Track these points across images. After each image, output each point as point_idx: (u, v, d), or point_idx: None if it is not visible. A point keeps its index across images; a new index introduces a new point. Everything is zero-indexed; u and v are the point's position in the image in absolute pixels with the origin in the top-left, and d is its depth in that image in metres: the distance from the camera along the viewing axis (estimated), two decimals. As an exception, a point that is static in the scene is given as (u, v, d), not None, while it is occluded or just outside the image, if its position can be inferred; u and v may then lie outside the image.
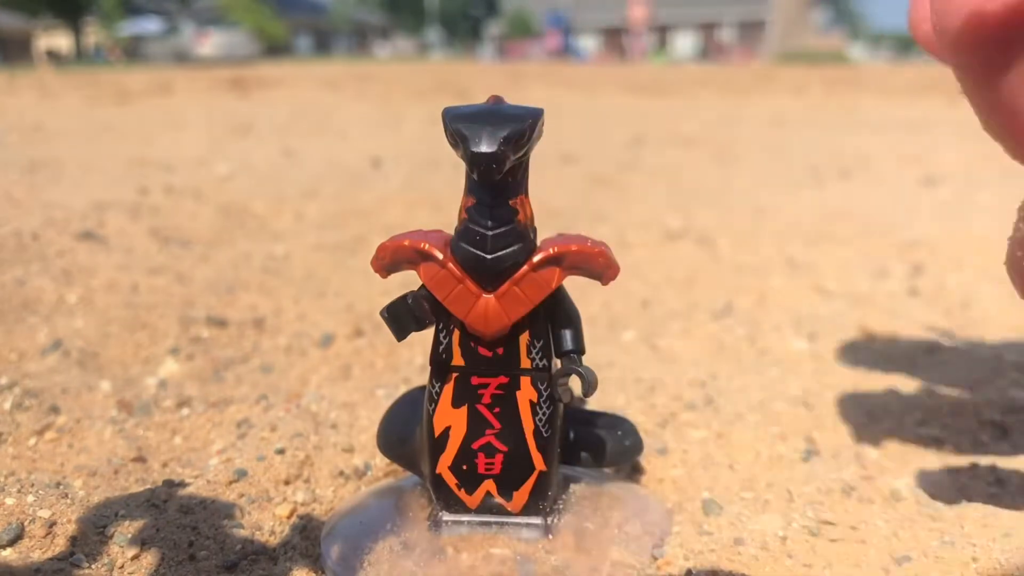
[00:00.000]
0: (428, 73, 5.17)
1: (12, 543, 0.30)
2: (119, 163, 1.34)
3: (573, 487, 0.31)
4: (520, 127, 0.24)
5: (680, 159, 1.53)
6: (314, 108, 2.61)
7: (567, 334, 0.27)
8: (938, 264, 0.77)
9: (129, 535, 0.30)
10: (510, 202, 0.26)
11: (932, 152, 1.55)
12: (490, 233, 0.25)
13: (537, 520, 0.28)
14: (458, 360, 0.27)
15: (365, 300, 0.64)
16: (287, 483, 0.35)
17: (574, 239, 0.26)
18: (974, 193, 1.13)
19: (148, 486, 0.35)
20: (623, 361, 0.52)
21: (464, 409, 0.28)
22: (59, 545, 0.30)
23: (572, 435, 0.30)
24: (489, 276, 0.26)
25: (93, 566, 0.29)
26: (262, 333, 0.58)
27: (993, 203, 1.06)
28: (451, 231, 0.27)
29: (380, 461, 0.37)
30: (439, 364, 0.28)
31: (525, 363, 0.27)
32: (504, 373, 0.27)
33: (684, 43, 21.49)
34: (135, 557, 0.29)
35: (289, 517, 0.33)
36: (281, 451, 0.36)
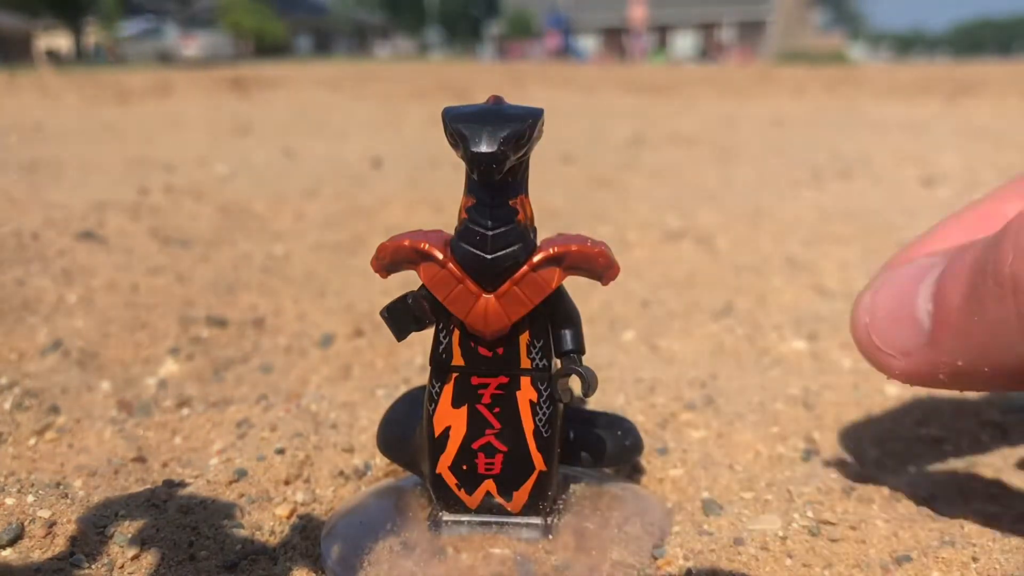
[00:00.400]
0: (428, 73, 5.17)
1: (12, 543, 0.30)
2: (119, 163, 1.34)
3: (573, 487, 0.31)
4: (520, 127, 0.24)
5: (680, 159, 1.53)
6: (314, 108, 2.61)
7: (567, 334, 0.27)
8: (938, 264, 0.77)
9: (129, 535, 0.30)
10: (510, 202, 0.26)
11: (932, 152, 1.55)
12: (490, 233, 0.25)
13: (537, 520, 0.28)
14: (458, 360, 0.27)
15: (365, 300, 0.64)
16: (287, 483, 0.35)
17: (574, 239, 0.26)
18: (974, 193, 1.13)
19: (148, 486, 0.35)
20: (623, 361, 0.52)
21: (464, 409, 0.28)
22: (59, 545, 0.30)
23: (572, 435, 0.30)
24: (489, 276, 0.26)
25: (93, 566, 0.29)
26: (262, 333, 0.58)
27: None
28: (451, 231, 0.27)
29: (380, 461, 0.37)
30: (439, 364, 0.28)
31: (525, 363, 0.27)
32: (504, 373, 0.27)
33: (684, 43, 21.49)
34: (135, 557, 0.29)
35: (289, 517, 0.33)
36: (281, 451, 0.36)
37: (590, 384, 0.27)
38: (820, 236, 0.88)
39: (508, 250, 0.26)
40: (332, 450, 0.37)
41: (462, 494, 0.28)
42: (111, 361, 0.51)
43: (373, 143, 1.72)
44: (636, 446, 0.31)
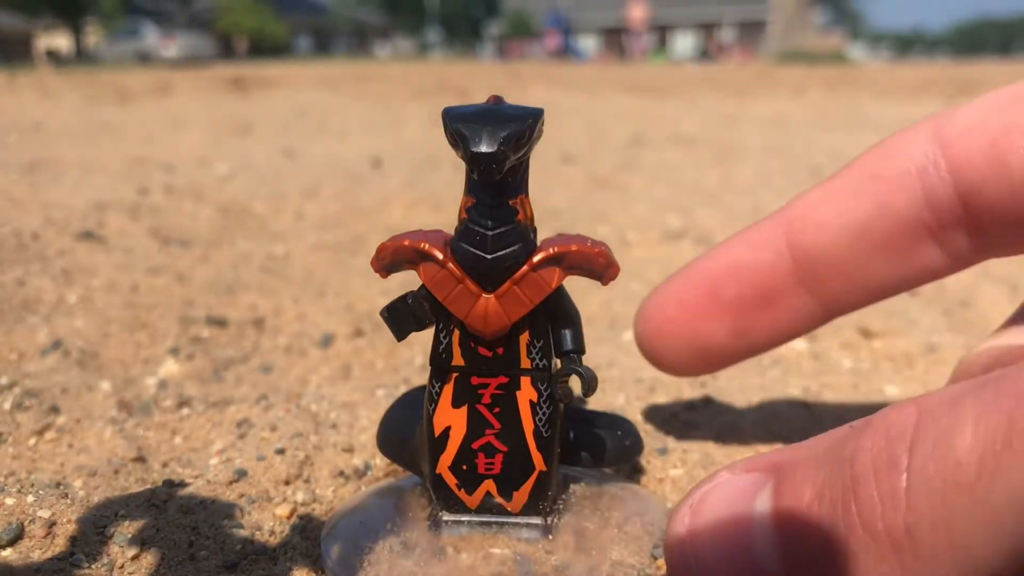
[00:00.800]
0: (428, 73, 5.17)
1: (12, 543, 0.30)
2: (119, 163, 1.34)
3: (573, 487, 0.31)
4: (520, 127, 0.24)
5: (680, 159, 1.53)
6: (314, 108, 2.61)
7: (567, 334, 0.27)
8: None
9: (129, 535, 0.30)
10: (510, 202, 0.26)
11: (932, 152, 1.55)
12: (490, 233, 0.25)
13: (537, 520, 0.28)
14: (458, 360, 0.27)
15: (365, 300, 0.64)
16: (287, 483, 0.35)
17: (574, 239, 0.26)
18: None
19: (148, 486, 0.35)
20: (623, 361, 0.52)
21: (464, 409, 0.28)
22: (59, 545, 0.30)
23: (572, 435, 0.30)
24: (489, 276, 0.26)
25: (93, 566, 0.29)
26: (262, 333, 0.58)
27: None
28: (451, 231, 0.27)
29: (380, 461, 0.37)
30: (439, 364, 0.28)
31: (525, 363, 0.27)
32: (504, 373, 0.27)
33: (684, 43, 21.49)
34: (135, 557, 0.29)
35: (289, 517, 0.33)
36: (281, 451, 0.36)
37: (590, 384, 0.27)
38: (820, 236, 0.88)
39: (508, 250, 0.26)
40: (332, 450, 0.37)
41: (462, 494, 0.28)
42: (111, 361, 0.51)
43: (373, 143, 1.72)
44: (636, 446, 0.31)
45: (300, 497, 0.34)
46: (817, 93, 3.38)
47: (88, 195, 1.00)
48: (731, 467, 0.22)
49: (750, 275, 0.29)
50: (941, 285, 0.70)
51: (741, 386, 0.47)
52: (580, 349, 0.28)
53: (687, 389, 0.46)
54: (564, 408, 0.29)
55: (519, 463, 0.28)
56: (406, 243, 0.26)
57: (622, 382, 0.47)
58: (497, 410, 0.27)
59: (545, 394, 0.27)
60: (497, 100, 0.26)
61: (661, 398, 0.44)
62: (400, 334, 0.27)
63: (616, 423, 0.31)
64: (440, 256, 0.26)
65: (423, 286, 0.27)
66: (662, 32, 21.49)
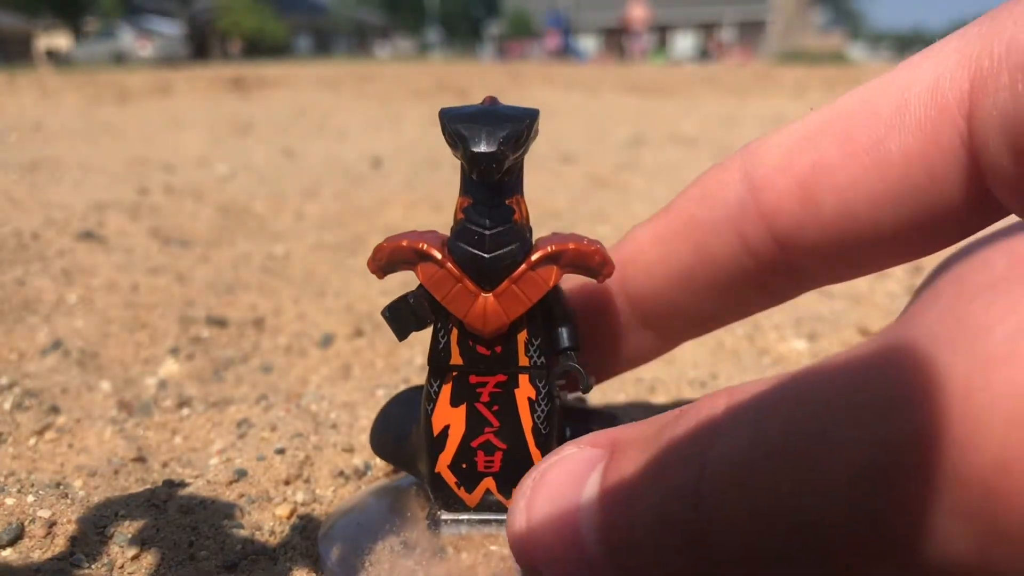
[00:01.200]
0: (428, 73, 5.17)
1: (12, 543, 0.30)
2: (119, 163, 1.34)
3: None
4: (518, 127, 0.24)
5: (680, 159, 1.53)
6: (314, 108, 2.61)
7: (564, 332, 0.28)
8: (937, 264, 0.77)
9: (129, 535, 0.30)
10: (507, 201, 0.26)
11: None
12: (488, 232, 0.25)
13: None
14: (456, 359, 0.27)
15: (365, 300, 0.64)
16: (287, 483, 0.35)
17: (570, 238, 0.26)
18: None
19: (148, 486, 0.35)
20: (623, 361, 0.52)
21: (463, 408, 0.28)
22: (59, 545, 0.30)
23: (568, 432, 0.30)
24: (487, 275, 0.26)
25: (93, 566, 0.29)
26: (262, 333, 0.58)
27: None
28: (448, 232, 0.27)
29: (380, 461, 0.37)
30: (437, 363, 0.28)
31: (523, 361, 0.27)
32: (502, 371, 0.27)
33: (684, 43, 21.50)
34: (135, 557, 0.29)
35: (289, 517, 0.33)
36: (281, 451, 0.36)
37: (588, 382, 0.27)
38: (820, 236, 0.88)
39: (506, 249, 0.26)
40: (332, 450, 0.37)
41: (462, 492, 0.28)
42: (111, 361, 0.51)
43: (373, 143, 1.72)
44: None
45: (300, 497, 0.34)
46: (817, 93, 3.38)
47: (88, 195, 1.00)
48: (578, 440, 0.22)
49: (595, 317, 0.30)
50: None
51: (741, 386, 0.47)
52: (576, 346, 0.28)
53: (687, 389, 0.46)
54: (560, 405, 0.29)
55: (518, 460, 0.28)
56: (404, 243, 0.26)
57: (622, 382, 0.47)
58: (496, 408, 0.28)
59: (543, 391, 0.27)
60: (493, 101, 0.26)
61: (661, 398, 0.44)
62: (402, 334, 0.28)
63: (611, 420, 0.31)
64: (439, 256, 0.26)
65: (421, 286, 0.27)
66: (662, 32, 21.49)
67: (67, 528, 0.30)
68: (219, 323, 0.58)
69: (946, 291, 0.15)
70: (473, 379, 0.27)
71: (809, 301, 0.66)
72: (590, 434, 0.22)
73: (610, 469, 0.20)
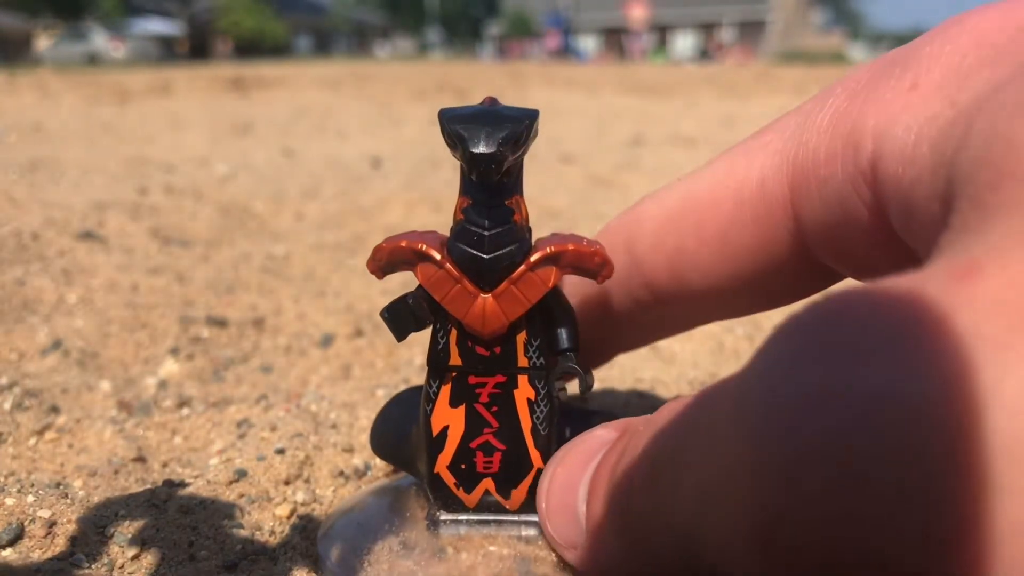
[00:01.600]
0: (428, 73, 5.17)
1: (12, 543, 0.30)
2: (119, 163, 1.34)
3: None
4: (518, 128, 0.24)
5: (680, 159, 1.53)
6: (314, 108, 2.61)
7: (563, 333, 0.28)
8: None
9: (129, 535, 0.30)
10: (507, 202, 0.26)
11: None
12: (487, 233, 0.25)
13: (535, 518, 0.28)
14: (455, 360, 0.27)
15: (365, 300, 0.64)
16: (287, 483, 0.35)
17: (569, 238, 0.26)
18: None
19: (148, 486, 0.35)
20: (623, 361, 0.52)
21: (462, 408, 0.28)
22: (59, 545, 0.30)
23: (568, 432, 0.30)
24: (487, 276, 0.26)
25: (93, 566, 0.29)
26: (262, 333, 0.58)
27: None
28: (448, 232, 0.27)
29: (380, 461, 0.37)
30: (436, 364, 0.28)
31: (523, 362, 0.27)
32: (502, 372, 0.27)
33: (684, 43, 21.50)
34: (135, 557, 0.29)
35: (289, 517, 0.33)
36: (281, 451, 0.36)
37: (587, 383, 0.27)
38: (820, 236, 0.88)
39: (505, 250, 0.26)
40: (332, 450, 0.37)
41: (460, 493, 0.28)
42: (111, 361, 0.51)
43: (373, 143, 1.72)
44: None
45: (300, 497, 0.34)
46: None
47: (88, 195, 1.00)
48: (608, 424, 0.25)
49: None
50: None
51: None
52: (576, 348, 0.28)
53: (687, 389, 0.46)
54: (560, 405, 0.29)
55: (517, 461, 0.28)
56: (403, 244, 0.26)
57: (622, 382, 0.47)
58: (495, 409, 0.28)
59: (542, 392, 0.27)
60: (492, 101, 0.26)
61: (660, 398, 0.44)
62: (400, 334, 0.28)
63: (611, 420, 0.31)
64: (438, 256, 0.26)
65: (420, 286, 0.27)
66: (662, 32, 21.49)
67: (67, 528, 0.30)
68: (219, 323, 0.58)
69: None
70: (472, 380, 0.27)
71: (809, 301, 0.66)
72: (619, 420, 0.25)
73: (607, 452, 0.23)
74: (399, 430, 0.31)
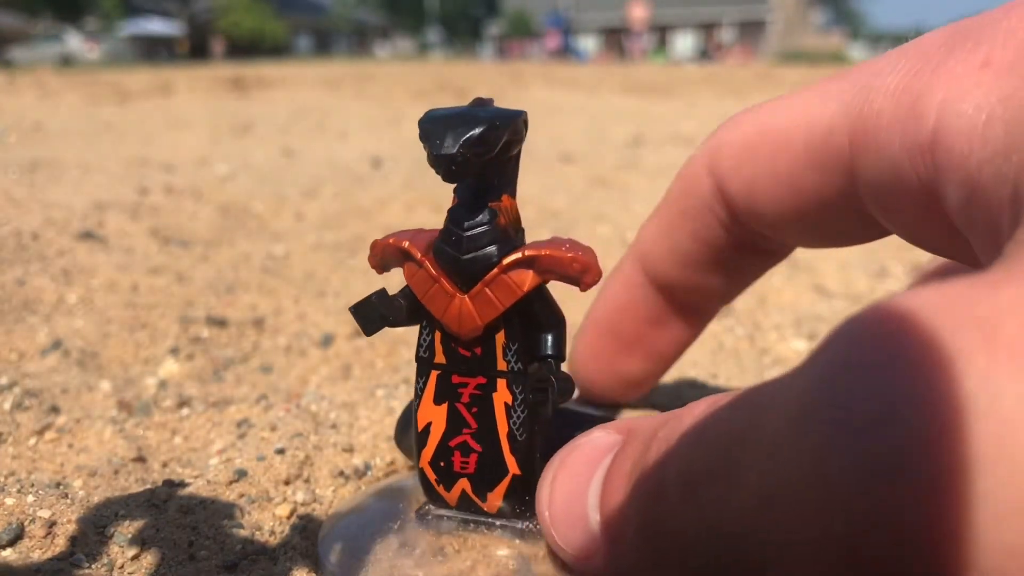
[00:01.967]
0: (428, 73, 5.17)
1: (12, 543, 0.30)
2: (119, 163, 1.34)
3: None
4: (483, 130, 0.24)
5: (680, 159, 1.52)
6: (314, 108, 2.61)
7: (545, 338, 0.27)
8: (938, 264, 0.77)
9: (129, 535, 0.30)
10: (491, 204, 0.25)
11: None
12: (465, 234, 0.25)
13: (517, 524, 0.28)
14: (440, 358, 0.27)
15: (365, 300, 0.64)
16: (287, 483, 0.35)
17: (550, 243, 0.26)
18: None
19: (148, 486, 0.35)
20: (623, 361, 0.52)
21: (444, 406, 0.28)
22: (59, 545, 0.30)
23: (560, 436, 0.30)
24: (464, 277, 0.26)
25: (93, 566, 0.29)
26: (262, 333, 0.58)
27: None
28: None
29: (380, 461, 0.37)
30: (422, 361, 0.28)
31: (501, 365, 0.27)
32: (482, 374, 0.27)
33: (684, 43, 21.50)
34: (135, 557, 0.29)
35: (289, 517, 0.33)
36: (281, 451, 0.36)
37: (562, 392, 0.26)
38: (820, 236, 0.88)
39: (482, 251, 0.25)
40: (332, 450, 0.37)
41: (441, 490, 0.28)
42: (111, 361, 0.51)
43: (373, 143, 1.72)
44: None
45: (300, 497, 0.34)
46: (817, 93, 3.38)
47: (88, 195, 1.00)
48: (607, 425, 0.25)
49: (636, 311, 0.35)
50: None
51: (741, 385, 0.47)
52: (559, 355, 0.27)
53: (687, 390, 0.46)
54: (553, 408, 0.28)
55: (493, 465, 0.27)
56: (391, 241, 0.27)
57: (622, 382, 0.47)
58: (475, 410, 0.27)
59: (520, 397, 0.27)
60: (480, 102, 0.26)
61: (661, 398, 0.44)
62: (367, 330, 0.28)
63: (604, 421, 0.31)
64: (418, 255, 0.26)
65: (407, 284, 0.27)
66: (662, 32, 21.49)
67: (67, 528, 0.30)
68: (219, 323, 0.58)
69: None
70: (455, 379, 0.27)
71: (809, 301, 0.66)
72: (619, 420, 0.25)
73: (618, 456, 0.22)
74: (408, 422, 0.31)
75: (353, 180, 1.23)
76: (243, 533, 0.31)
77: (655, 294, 0.34)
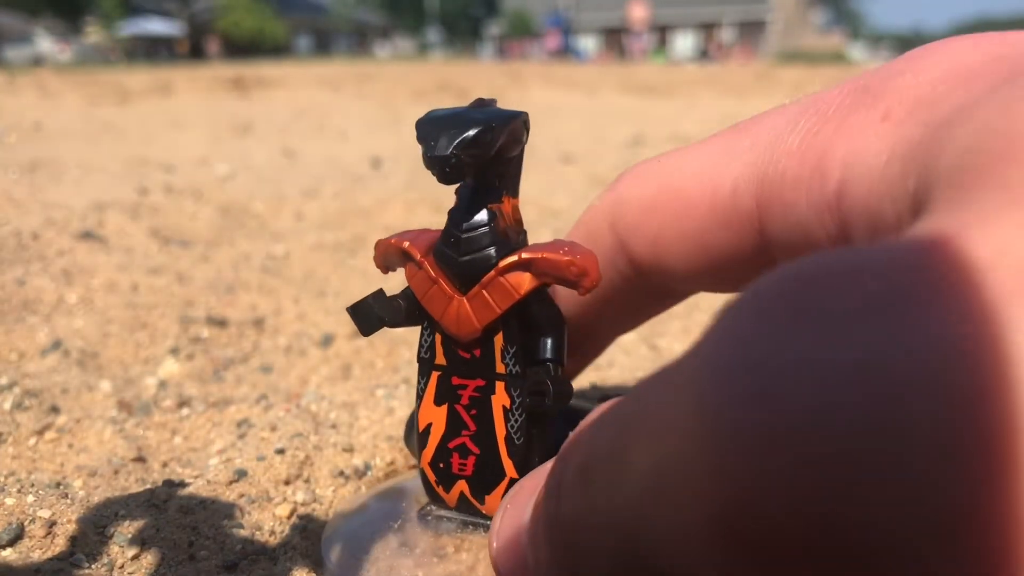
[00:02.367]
0: (428, 73, 5.17)
1: (12, 543, 0.30)
2: (119, 163, 1.34)
3: None
4: (478, 131, 0.24)
5: (680, 159, 1.52)
6: (314, 108, 2.61)
7: (544, 342, 0.27)
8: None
9: (129, 535, 0.30)
10: (490, 205, 0.25)
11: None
12: (463, 236, 0.25)
13: None
14: (440, 360, 0.27)
15: (365, 300, 0.64)
16: (287, 483, 0.35)
17: (549, 246, 0.25)
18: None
19: (148, 486, 0.35)
20: (623, 361, 0.52)
21: (445, 408, 0.28)
22: (59, 545, 0.30)
23: (564, 434, 0.30)
24: (462, 278, 0.26)
25: (93, 566, 0.29)
26: (262, 333, 0.58)
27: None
28: None
29: (380, 461, 0.37)
30: (423, 362, 0.28)
31: (500, 368, 0.27)
32: (481, 376, 0.27)
33: (684, 43, 21.50)
34: (135, 557, 0.29)
35: (289, 517, 0.33)
36: (281, 451, 0.36)
37: (555, 398, 0.26)
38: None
39: (479, 253, 0.25)
40: (332, 450, 0.37)
41: (440, 491, 0.28)
42: (111, 361, 0.51)
43: (373, 143, 1.72)
44: None
45: (300, 497, 0.34)
46: (817, 93, 3.38)
47: (88, 195, 1.00)
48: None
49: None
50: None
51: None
52: (558, 359, 0.27)
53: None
54: (551, 413, 0.28)
55: (490, 468, 0.27)
56: (392, 242, 0.27)
57: (622, 382, 0.47)
58: (474, 412, 0.27)
59: (518, 401, 0.27)
60: (481, 103, 0.26)
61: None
62: (364, 331, 0.28)
63: None
64: (418, 256, 0.26)
65: (408, 285, 0.27)
66: (662, 32, 21.49)
67: (67, 528, 0.30)
68: (219, 323, 0.58)
69: None
70: (455, 380, 0.27)
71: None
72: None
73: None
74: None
75: (353, 180, 1.23)
76: (243, 533, 0.31)
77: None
